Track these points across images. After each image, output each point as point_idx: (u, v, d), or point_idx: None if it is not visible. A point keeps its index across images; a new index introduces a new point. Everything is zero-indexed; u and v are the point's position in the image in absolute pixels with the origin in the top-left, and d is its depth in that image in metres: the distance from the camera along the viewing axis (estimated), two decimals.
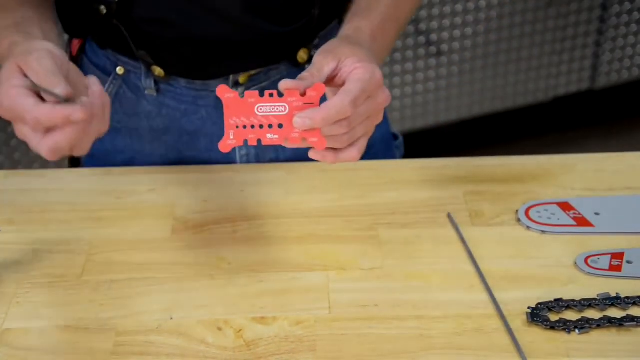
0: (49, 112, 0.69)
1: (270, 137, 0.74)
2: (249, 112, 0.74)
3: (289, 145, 0.75)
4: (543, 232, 0.88)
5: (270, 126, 0.74)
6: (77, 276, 0.84)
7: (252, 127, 0.74)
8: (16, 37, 0.80)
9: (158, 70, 0.96)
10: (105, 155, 1.03)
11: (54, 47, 0.75)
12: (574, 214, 0.90)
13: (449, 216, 0.91)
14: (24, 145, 1.93)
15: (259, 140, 0.74)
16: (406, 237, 0.88)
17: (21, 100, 0.70)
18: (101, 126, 0.73)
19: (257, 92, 0.74)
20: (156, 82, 0.97)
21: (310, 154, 0.75)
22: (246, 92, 0.74)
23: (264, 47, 0.95)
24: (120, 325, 0.79)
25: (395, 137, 1.16)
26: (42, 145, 0.70)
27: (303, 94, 0.74)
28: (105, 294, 0.82)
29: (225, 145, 0.75)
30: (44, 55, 0.72)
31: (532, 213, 0.90)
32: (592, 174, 0.97)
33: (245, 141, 0.74)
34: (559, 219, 0.90)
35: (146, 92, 0.98)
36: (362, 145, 0.77)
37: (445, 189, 0.95)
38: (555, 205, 0.92)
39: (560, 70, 2.31)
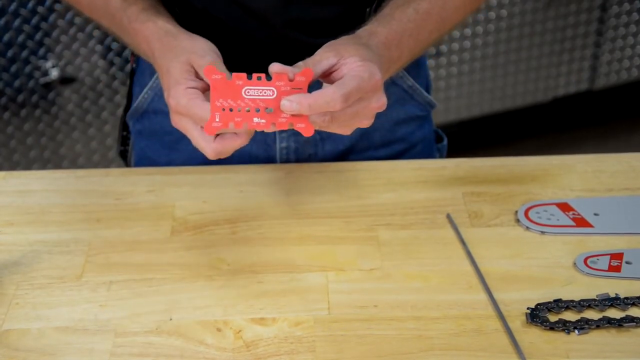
0: None
1: (257, 121, 0.73)
2: (236, 94, 0.72)
3: (274, 129, 0.73)
4: (542, 232, 0.88)
5: (257, 110, 0.73)
6: (76, 277, 0.84)
7: (239, 110, 0.73)
8: (161, 22, 0.83)
9: None
10: (153, 134, 1.05)
11: (211, 43, 0.79)
12: (573, 214, 0.90)
13: (448, 217, 0.91)
14: (22, 146, 1.94)
15: (245, 125, 0.73)
16: (405, 238, 0.88)
17: (202, 104, 0.74)
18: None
19: (245, 74, 0.73)
20: None
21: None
22: (234, 74, 0.73)
23: (304, 53, 0.95)
24: (120, 326, 0.79)
25: (440, 138, 1.12)
26: (209, 147, 0.75)
27: (292, 80, 0.72)
28: (105, 295, 0.82)
29: (210, 127, 0.73)
30: (218, 61, 0.76)
31: (531, 214, 0.90)
32: (591, 175, 0.97)
33: (231, 125, 0.73)
34: (558, 220, 0.90)
35: None
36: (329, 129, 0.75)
37: (444, 189, 0.95)
38: (554, 205, 0.92)
39: (559, 71, 2.32)
